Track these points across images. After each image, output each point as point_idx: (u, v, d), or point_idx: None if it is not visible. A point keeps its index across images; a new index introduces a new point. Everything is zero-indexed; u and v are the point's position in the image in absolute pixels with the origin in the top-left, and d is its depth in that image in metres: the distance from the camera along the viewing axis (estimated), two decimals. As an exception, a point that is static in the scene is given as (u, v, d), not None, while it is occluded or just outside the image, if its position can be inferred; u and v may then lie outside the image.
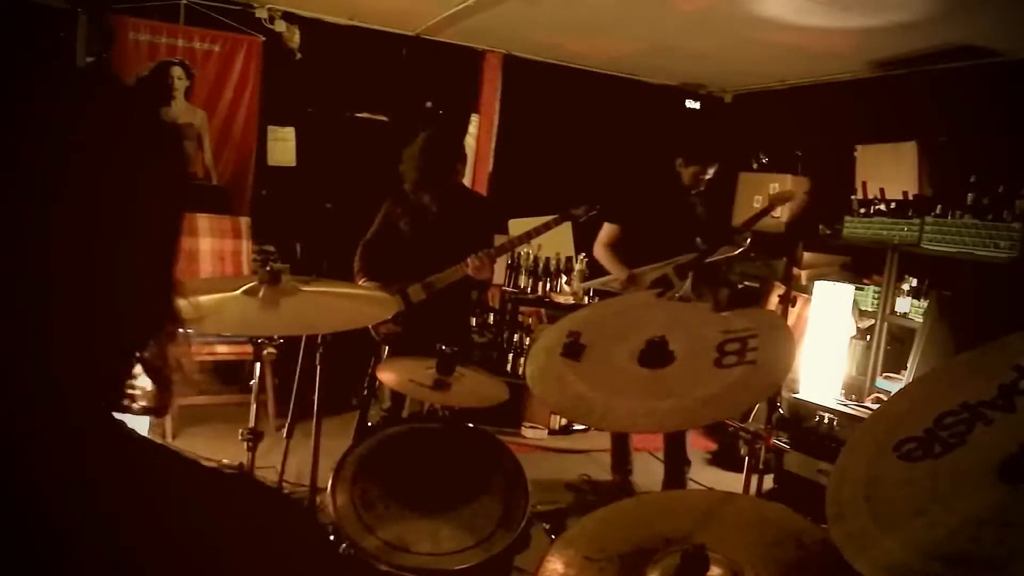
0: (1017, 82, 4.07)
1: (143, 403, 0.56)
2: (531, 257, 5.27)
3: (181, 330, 0.58)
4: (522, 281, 5.27)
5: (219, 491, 0.56)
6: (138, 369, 0.55)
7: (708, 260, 3.83)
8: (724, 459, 4.50)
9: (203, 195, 4.71)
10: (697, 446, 4.71)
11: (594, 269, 5.21)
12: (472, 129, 5.53)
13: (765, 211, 3.80)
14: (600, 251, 3.87)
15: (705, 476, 4.29)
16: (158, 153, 0.53)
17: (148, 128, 0.53)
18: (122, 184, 0.49)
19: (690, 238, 3.69)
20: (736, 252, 3.83)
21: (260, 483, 0.65)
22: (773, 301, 4.23)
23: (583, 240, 5.44)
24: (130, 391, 0.55)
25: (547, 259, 5.29)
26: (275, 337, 3.39)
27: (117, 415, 0.55)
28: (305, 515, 0.64)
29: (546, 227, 3.39)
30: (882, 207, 4.59)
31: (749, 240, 3.74)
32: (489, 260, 3.22)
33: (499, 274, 4.84)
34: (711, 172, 3.82)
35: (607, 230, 3.86)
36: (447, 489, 2.18)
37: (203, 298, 2.02)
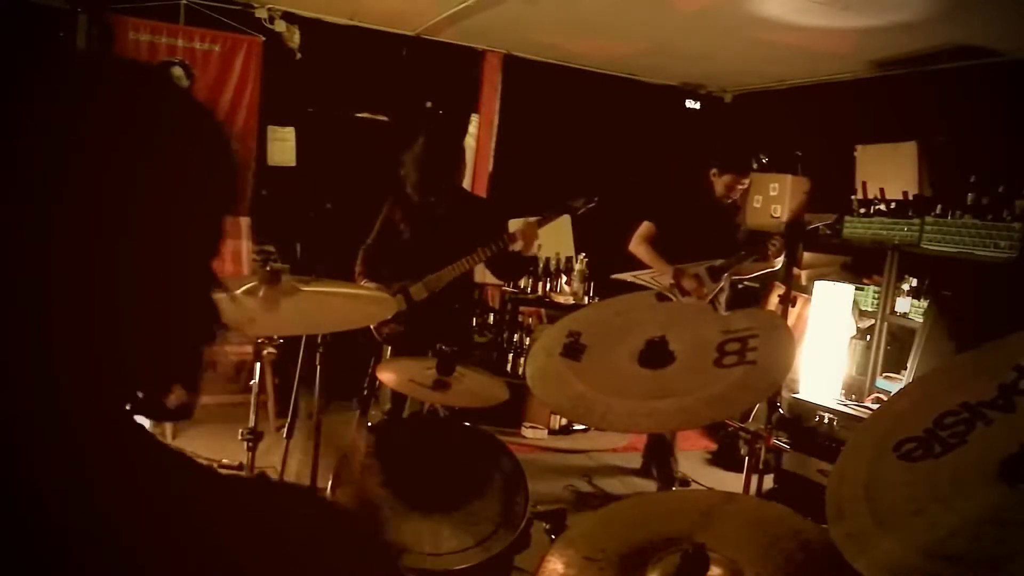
0: (1017, 82, 4.07)
1: (167, 405, 0.56)
2: (531, 257, 5.27)
3: (220, 330, 0.58)
4: (522, 281, 5.27)
5: (220, 491, 0.56)
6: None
7: (748, 276, 3.85)
8: (724, 459, 4.50)
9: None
10: (697, 446, 4.72)
11: (594, 269, 5.22)
12: (472, 129, 5.52)
13: (799, 227, 3.78)
14: (640, 247, 3.87)
15: (705, 476, 4.28)
16: (164, 150, 0.53)
17: (151, 127, 0.52)
18: (123, 183, 0.49)
19: (719, 246, 3.72)
20: (769, 270, 3.82)
21: (268, 482, 0.64)
22: (773, 301, 4.24)
23: (583, 240, 5.45)
24: (153, 393, 0.55)
25: (547, 259, 5.29)
26: (275, 337, 3.39)
27: (137, 418, 0.54)
28: (321, 512, 0.62)
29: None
30: (882, 207, 4.59)
31: (782, 259, 3.66)
32: (533, 230, 3.26)
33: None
34: (745, 183, 3.84)
35: (646, 228, 3.89)
36: (447, 489, 2.18)
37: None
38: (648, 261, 3.83)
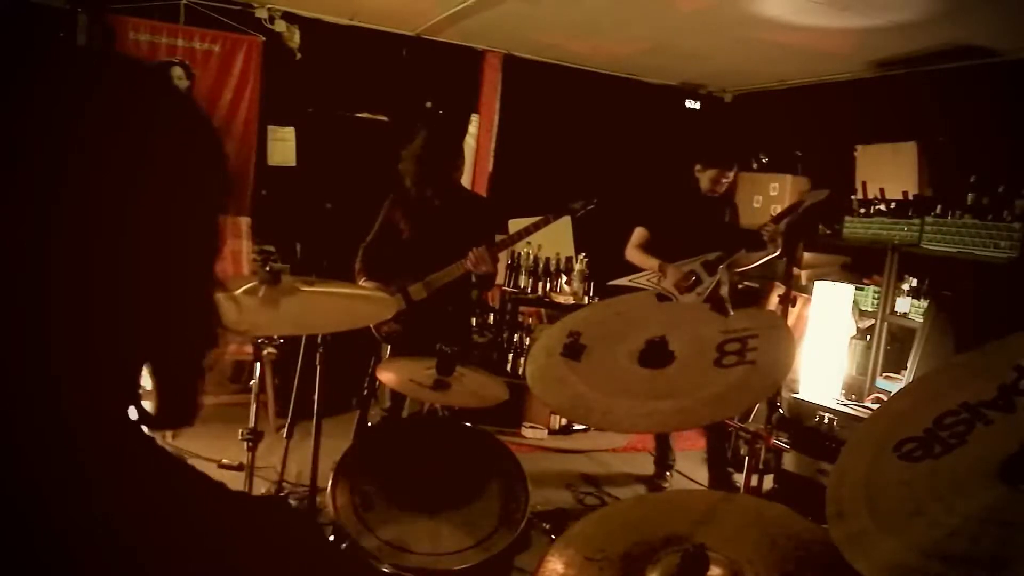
0: (1017, 82, 4.07)
1: (168, 412, 0.56)
2: (531, 257, 5.27)
3: (223, 334, 0.58)
4: (522, 281, 5.27)
5: (221, 495, 0.56)
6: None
7: (750, 267, 3.85)
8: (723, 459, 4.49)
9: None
10: (697, 446, 4.71)
11: (594, 269, 5.22)
12: (472, 129, 5.52)
13: (793, 208, 3.78)
14: (633, 252, 3.90)
15: (705, 476, 4.28)
16: (162, 150, 0.53)
17: (150, 126, 0.52)
18: (122, 183, 0.49)
19: (714, 242, 3.73)
20: (768, 256, 3.80)
21: (262, 496, 0.65)
22: (773, 301, 4.23)
23: (583, 240, 5.45)
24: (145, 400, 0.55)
25: (547, 259, 5.29)
26: (275, 337, 3.39)
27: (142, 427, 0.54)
28: (308, 522, 0.64)
29: (545, 222, 3.40)
30: (882, 207, 4.59)
31: (780, 244, 3.66)
32: (489, 254, 3.21)
33: (499, 274, 4.84)
34: (730, 176, 3.83)
35: (638, 233, 3.91)
36: (447, 489, 2.18)
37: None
38: (642, 265, 3.84)
